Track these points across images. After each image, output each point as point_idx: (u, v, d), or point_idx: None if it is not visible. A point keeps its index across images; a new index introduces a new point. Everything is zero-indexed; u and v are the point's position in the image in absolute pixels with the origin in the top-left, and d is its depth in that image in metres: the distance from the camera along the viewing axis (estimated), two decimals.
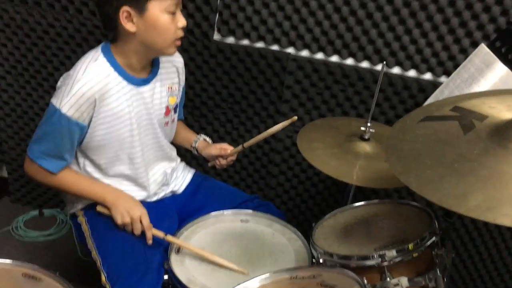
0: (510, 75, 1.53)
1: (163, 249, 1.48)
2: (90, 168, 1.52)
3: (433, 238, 1.14)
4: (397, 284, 1.09)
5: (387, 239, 1.23)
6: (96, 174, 1.53)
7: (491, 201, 0.81)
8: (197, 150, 1.76)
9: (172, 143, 1.73)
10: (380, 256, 1.11)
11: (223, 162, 1.71)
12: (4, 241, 2.34)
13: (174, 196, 1.70)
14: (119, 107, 1.42)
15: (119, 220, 1.44)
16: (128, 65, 1.43)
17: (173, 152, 1.71)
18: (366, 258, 1.14)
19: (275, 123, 2.01)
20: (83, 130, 1.41)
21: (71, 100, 1.34)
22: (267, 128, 2.01)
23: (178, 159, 1.75)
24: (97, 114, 1.39)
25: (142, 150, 1.53)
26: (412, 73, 1.91)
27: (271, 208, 1.74)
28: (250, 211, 1.65)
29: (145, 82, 1.49)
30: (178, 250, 1.47)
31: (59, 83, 1.41)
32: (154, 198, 1.64)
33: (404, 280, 1.11)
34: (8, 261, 1.24)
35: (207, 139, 1.78)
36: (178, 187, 1.71)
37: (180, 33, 1.40)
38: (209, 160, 1.75)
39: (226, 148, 1.70)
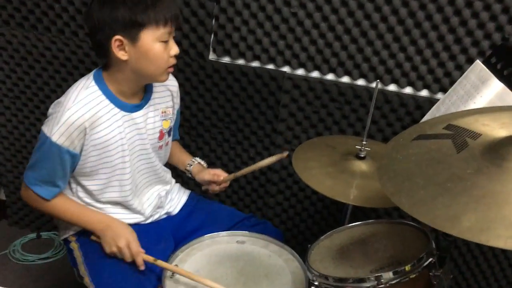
0: (506, 91, 1.51)
1: (157, 274, 1.46)
2: (82, 194, 1.51)
3: (430, 259, 1.12)
4: None
5: (383, 260, 1.20)
6: (88, 199, 1.52)
7: (484, 222, 0.79)
8: (191, 174, 1.74)
9: (167, 164, 1.72)
10: (376, 278, 1.09)
11: (216, 188, 1.70)
12: (1, 265, 2.32)
13: (169, 217, 1.68)
14: (110, 134, 1.41)
15: (107, 249, 1.44)
16: (120, 92, 1.42)
17: (168, 174, 1.70)
18: (362, 280, 1.11)
19: (272, 142, 2.02)
20: (74, 158, 1.40)
21: (61, 128, 1.33)
22: (264, 147, 2.02)
23: (173, 181, 1.74)
24: (88, 142, 1.38)
25: (133, 176, 1.52)
26: (408, 90, 1.91)
27: (268, 227, 1.72)
28: (246, 232, 1.63)
29: (138, 107, 1.48)
30: (172, 274, 1.45)
31: (50, 110, 1.41)
32: (149, 220, 1.62)
33: None
34: None
35: (202, 162, 1.76)
36: (173, 209, 1.69)
37: (173, 61, 1.40)
38: (202, 184, 1.74)
39: (219, 174, 1.69)
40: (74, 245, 1.53)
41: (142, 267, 1.42)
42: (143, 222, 1.60)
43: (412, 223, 1.27)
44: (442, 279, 1.12)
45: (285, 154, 1.55)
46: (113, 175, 1.47)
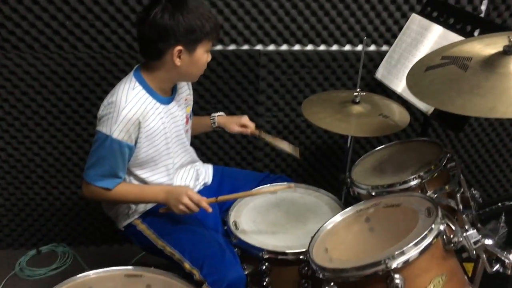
0: (447, 32, 1.97)
1: (222, 231, 1.72)
2: (134, 182, 1.70)
3: (447, 156, 1.54)
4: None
5: (413, 167, 1.60)
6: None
7: (490, 103, 1.20)
8: (219, 127, 1.99)
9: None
10: (419, 177, 1.48)
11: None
12: (13, 286, 2.34)
13: (206, 187, 1.92)
14: (156, 125, 1.63)
15: (176, 211, 1.63)
16: (160, 88, 1.64)
17: (194, 153, 1.93)
18: (407, 181, 1.50)
19: (256, 113, 2.32)
20: (132, 150, 1.59)
21: (120, 125, 1.52)
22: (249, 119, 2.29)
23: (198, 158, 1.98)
24: (141, 135, 1.59)
25: (175, 159, 1.75)
26: (359, 47, 2.32)
27: (284, 179, 2.03)
28: (273, 184, 1.93)
29: (171, 100, 1.71)
30: (236, 226, 1.71)
31: (102, 113, 1.57)
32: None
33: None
34: None
35: (220, 113, 2.01)
36: (208, 179, 1.94)
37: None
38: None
39: (247, 124, 1.96)
40: (142, 227, 1.72)
41: (210, 210, 1.63)
42: None
43: (423, 138, 1.67)
44: (457, 167, 1.54)
45: (298, 152, 1.90)
46: (160, 161, 1.69)
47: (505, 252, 1.34)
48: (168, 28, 1.49)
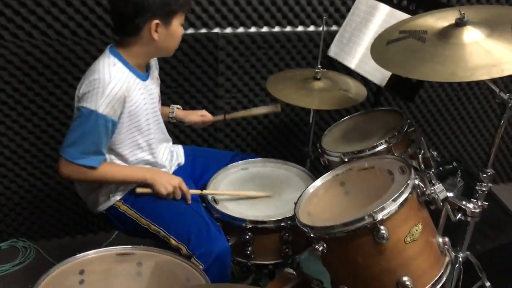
0: (393, 11, 2.13)
1: (202, 206, 1.78)
2: (115, 160, 1.72)
3: (408, 122, 1.70)
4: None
5: (378, 134, 1.75)
6: (121, 163, 1.73)
7: (449, 69, 1.35)
8: (175, 119, 2.05)
9: None
10: (386, 141, 1.63)
11: (201, 125, 2.09)
12: None
13: (180, 167, 1.97)
14: (138, 101, 1.66)
15: (163, 191, 1.69)
16: (138, 64, 1.67)
17: (167, 132, 1.97)
18: (376, 146, 1.64)
19: (216, 96, 2.39)
20: (115, 126, 1.62)
21: (106, 100, 1.54)
22: (209, 101, 2.37)
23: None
24: (124, 110, 1.61)
25: (155, 135, 1.79)
26: (312, 28, 2.45)
27: (252, 157, 2.11)
28: (244, 161, 2.02)
29: (147, 76, 1.74)
30: (215, 201, 1.79)
31: (85, 89, 1.56)
32: (171, 172, 1.90)
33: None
34: None
35: (178, 106, 2.07)
36: (181, 159, 1.99)
37: None
38: (190, 124, 2.08)
39: (206, 115, 2.05)
40: (124, 208, 1.75)
41: (190, 201, 1.74)
42: None
43: (385, 107, 1.82)
44: (416, 132, 1.71)
45: (278, 107, 1.99)
46: (142, 137, 1.72)
47: (465, 202, 1.52)
48: (144, 2, 1.52)
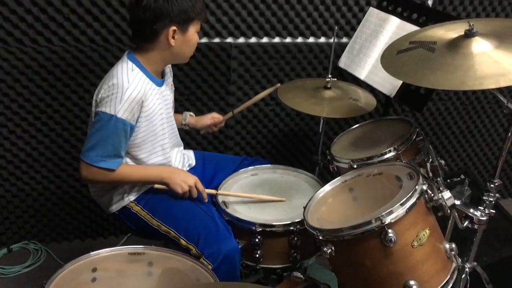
0: (403, 23, 2.18)
1: (213, 207, 1.82)
2: (131, 163, 1.76)
3: (417, 130, 1.73)
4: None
5: (387, 142, 1.77)
6: None
7: (458, 79, 1.38)
8: (188, 126, 2.10)
9: None
10: (395, 149, 1.66)
11: (215, 129, 2.12)
12: None
13: (191, 169, 2.02)
14: (154, 105, 1.71)
15: (179, 190, 1.73)
16: (154, 70, 1.72)
17: (179, 136, 2.02)
18: (385, 153, 1.67)
19: (227, 104, 2.43)
20: (133, 129, 1.67)
21: (125, 105, 1.59)
22: (220, 109, 2.42)
23: None
24: (142, 114, 1.66)
25: (169, 139, 1.83)
26: (323, 39, 2.50)
27: (261, 161, 2.15)
28: (254, 167, 2.05)
29: (163, 82, 1.79)
30: (226, 205, 1.82)
31: (103, 94, 1.61)
32: None
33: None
34: None
35: (191, 113, 2.12)
36: (192, 161, 2.04)
37: None
38: (202, 129, 2.12)
39: (217, 116, 2.09)
40: (137, 208, 1.79)
41: (206, 200, 1.79)
42: None
43: (394, 116, 1.85)
44: (424, 140, 1.74)
45: (278, 85, 2.05)
46: (157, 141, 1.77)
47: (472, 210, 1.54)
48: (163, 9, 1.58)
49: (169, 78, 1.88)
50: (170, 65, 1.91)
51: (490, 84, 1.33)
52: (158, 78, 1.75)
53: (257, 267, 1.76)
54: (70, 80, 2.25)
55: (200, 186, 1.77)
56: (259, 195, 1.85)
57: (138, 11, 1.60)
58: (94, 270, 1.51)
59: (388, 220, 1.30)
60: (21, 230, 2.54)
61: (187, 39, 1.67)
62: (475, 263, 1.67)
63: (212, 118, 2.09)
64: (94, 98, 1.67)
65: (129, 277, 1.54)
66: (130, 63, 1.66)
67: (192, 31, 1.68)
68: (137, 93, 1.61)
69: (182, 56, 1.75)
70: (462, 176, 2.04)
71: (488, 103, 2.84)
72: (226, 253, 1.64)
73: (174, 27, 1.62)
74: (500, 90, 1.40)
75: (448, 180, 2.01)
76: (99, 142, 1.63)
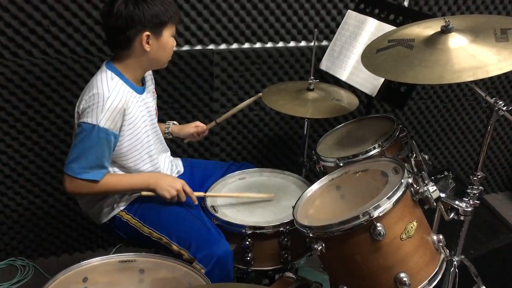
0: (382, 24, 2.22)
1: (203, 213, 1.82)
2: (120, 172, 1.76)
3: (399, 126, 1.76)
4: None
5: (371, 139, 1.80)
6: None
7: (436, 73, 1.42)
8: (171, 134, 2.10)
9: None
10: (379, 145, 1.69)
11: (199, 137, 2.12)
12: None
13: (179, 176, 2.02)
14: (136, 113, 1.71)
15: (167, 195, 1.72)
16: (134, 78, 1.72)
17: (165, 143, 2.02)
18: (370, 150, 1.70)
19: (211, 111, 2.45)
20: (116, 138, 1.66)
21: (107, 114, 1.59)
22: (204, 116, 2.43)
23: None
24: (124, 123, 1.66)
25: (155, 146, 1.83)
26: (303, 43, 2.53)
27: (248, 165, 2.16)
28: (241, 171, 2.06)
29: (143, 90, 1.79)
30: (215, 210, 1.82)
31: (85, 105, 1.61)
32: None
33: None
34: None
35: (174, 122, 2.13)
36: (180, 168, 2.04)
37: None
38: (185, 138, 2.12)
39: (200, 125, 2.10)
40: (127, 217, 1.78)
41: (196, 202, 1.78)
42: None
43: (376, 114, 1.88)
44: (407, 136, 1.77)
45: (259, 94, 2.07)
46: (143, 149, 1.77)
47: (457, 201, 1.57)
48: (134, 15, 1.59)
49: (151, 85, 1.88)
50: (151, 72, 1.92)
51: (468, 77, 1.37)
52: (139, 86, 1.76)
53: (248, 270, 1.76)
54: (53, 93, 2.25)
55: (188, 188, 1.76)
56: (247, 194, 1.87)
57: (110, 20, 1.61)
58: (85, 280, 1.51)
59: (376, 214, 1.32)
60: (7, 247, 2.51)
61: (162, 44, 1.68)
62: (462, 256, 1.70)
63: (196, 126, 2.09)
64: (76, 109, 1.66)
65: (121, 285, 1.53)
66: (109, 72, 1.66)
67: (167, 35, 1.68)
68: (118, 102, 1.61)
69: (159, 61, 1.74)
70: (446, 173, 2.08)
71: (467, 100, 2.90)
72: (218, 256, 1.64)
73: (147, 33, 1.63)
74: (478, 84, 1.43)
75: (432, 178, 2.04)
76: (82, 153, 1.62)
